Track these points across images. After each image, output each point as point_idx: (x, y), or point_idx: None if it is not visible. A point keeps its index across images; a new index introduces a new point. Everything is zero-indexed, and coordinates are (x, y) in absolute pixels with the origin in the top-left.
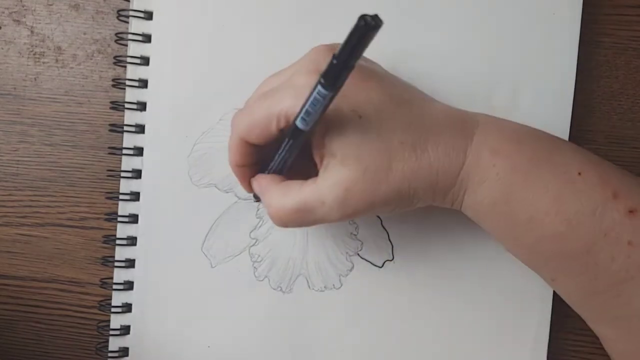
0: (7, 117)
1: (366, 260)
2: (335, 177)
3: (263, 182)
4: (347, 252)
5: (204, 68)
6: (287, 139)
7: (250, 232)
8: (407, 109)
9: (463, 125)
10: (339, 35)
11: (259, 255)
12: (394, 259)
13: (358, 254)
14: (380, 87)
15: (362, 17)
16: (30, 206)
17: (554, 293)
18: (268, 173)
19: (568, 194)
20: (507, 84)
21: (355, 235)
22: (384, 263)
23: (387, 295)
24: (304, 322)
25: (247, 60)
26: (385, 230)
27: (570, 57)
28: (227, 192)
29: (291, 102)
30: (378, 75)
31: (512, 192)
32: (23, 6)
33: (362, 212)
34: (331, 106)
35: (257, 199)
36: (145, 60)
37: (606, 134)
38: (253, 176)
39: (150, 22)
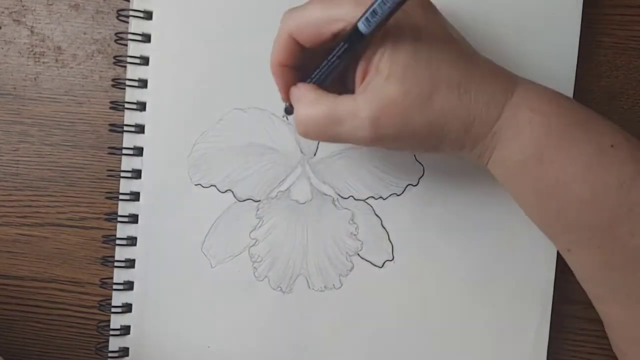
0: (7, 117)
1: (366, 260)
2: (376, 92)
3: (301, 89)
4: (347, 252)
5: (203, 68)
6: (342, 43)
7: (250, 232)
8: (460, 47)
9: (506, 79)
10: None
11: (259, 256)
12: (394, 259)
13: (358, 254)
14: (441, 20)
15: None
16: (30, 206)
17: (554, 293)
18: (309, 82)
19: (598, 163)
20: None
21: (355, 235)
22: (384, 263)
23: (387, 295)
24: (304, 322)
25: (247, 60)
26: (386, 230)
27: (570, 57)
28: (227, 192)
29: (351, 8)
30: (441, 14)
31: (544, 153)
32: (23, 6)
33: (390, 137)
34: (391, 20)
35: (288, 112)
36: (145, 60)
37: None
38: (292, 83)
39: (150, 22)
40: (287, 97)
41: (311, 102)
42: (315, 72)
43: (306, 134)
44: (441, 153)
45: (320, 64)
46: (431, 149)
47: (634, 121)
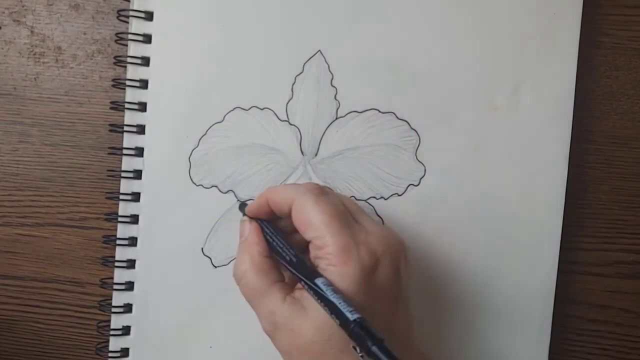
0: (7, 117)
1: None
2: (293, 320)
3: (255, 247)
4: None
5: (204, 68)
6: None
7: None
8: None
9: None
10: (340, 35)
11: None
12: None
13: None
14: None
15: None
16: (30, 206)
17: (556, 293)
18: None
19: None
20: (507, 84)
21: None
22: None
23: None
24: None
25: (247, 61)
26: None
27: (570, 57)
28: (228, 193)
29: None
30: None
31: None
32: (23, 6)
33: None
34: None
35: (241, 208)
36: (145, 61)
37: (606, 134)
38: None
39: (150, 22)
40: (251, 210)
41: (255, 269)
42: (278, 246)
43: (237, 284)
44: None
45: (274, 233)
46: None
47: (634, 121)
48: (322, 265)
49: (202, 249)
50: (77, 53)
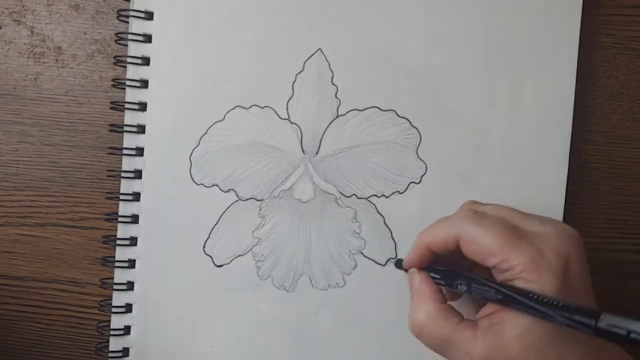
0: (7, 117)
1: (369, 258)
2: (496, 345)
3: (426, 291)
4: (350, 251)
5: (204, 68)
6: (495, 293)
7: (253, 232)
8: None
9: None
10: (341, 33)
11: (262, 255)
12: (397, 257)
13: (361, 253)
14: None
15: None
16: (30, 206)
17: None
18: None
19: None
20: (507, 84)
21: (358, 233)
22: (387, 261)
23: (390, 294)
24: (308, 321)
25: (247, 60)
26: (389, 228)
27: (570, 57)
28: (229, 192)
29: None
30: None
31: None
32: (23, 6)
33: None
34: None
35: (397, 265)
36: (145, 61)
37: (606, 134)
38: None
39: (150, 22)
40: (414, 261)
41: (435, 318)
42: (448, 278)
43: (418, 338)
44: None
45: (457, 278)
46: None
47: (634, 121)
48: (520, 285)
49: (203, 248)
50: (77, 53)
